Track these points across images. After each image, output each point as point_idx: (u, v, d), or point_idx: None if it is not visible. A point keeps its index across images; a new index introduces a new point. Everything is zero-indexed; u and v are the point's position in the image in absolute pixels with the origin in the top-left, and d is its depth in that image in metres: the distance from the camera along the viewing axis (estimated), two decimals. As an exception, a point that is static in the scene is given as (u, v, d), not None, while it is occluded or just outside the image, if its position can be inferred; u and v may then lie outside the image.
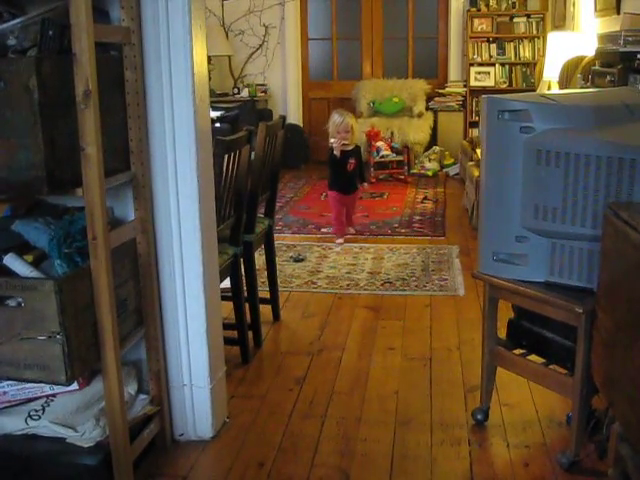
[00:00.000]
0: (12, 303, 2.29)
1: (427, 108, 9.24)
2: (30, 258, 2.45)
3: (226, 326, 3.23)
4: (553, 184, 2.49)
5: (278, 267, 4.39)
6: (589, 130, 2.50)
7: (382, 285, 4.77)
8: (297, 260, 5.28)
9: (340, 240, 5.91)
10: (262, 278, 4.23)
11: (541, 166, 2.51)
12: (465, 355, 3.65)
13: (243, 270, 3.69)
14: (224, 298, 3.24)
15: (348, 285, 4.78)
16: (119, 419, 2.46)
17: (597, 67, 4.92)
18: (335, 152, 5.86)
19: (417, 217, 6.73)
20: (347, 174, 5.93)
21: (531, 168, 2.53)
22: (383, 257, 5.42)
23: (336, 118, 5.85)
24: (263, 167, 3.69)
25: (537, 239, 2.60)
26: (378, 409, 3.14)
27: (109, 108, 2.38)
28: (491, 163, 2.70)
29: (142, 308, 2.66)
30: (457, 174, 8.46)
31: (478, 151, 6.54)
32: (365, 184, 6.29)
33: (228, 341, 3.26)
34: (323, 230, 6.26)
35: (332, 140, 5.90)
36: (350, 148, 5.93)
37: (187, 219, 2.70)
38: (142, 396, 2.76)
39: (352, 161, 5.91)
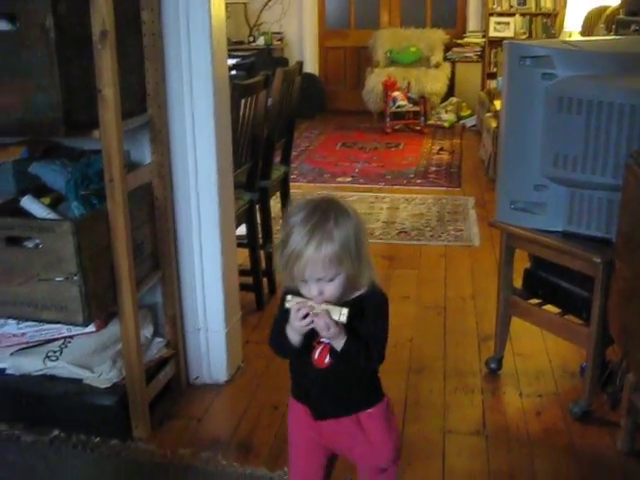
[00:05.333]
0: (30, 244, 2.30)
1: (445, 58, 9.13)
2: (47, 200, 2.46)
3: (241, 273, 3.23)
4: (574, 132, 2.46)
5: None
6: (612, 78, 2.46)
7: (397, 234, 4.77)
8: (312, 209, 5.25)
9: None
10: (277, 226, 4.22)
11: (562, 114, 2.47)
12: (479, 305, 3.65)
13: (259, 217, 3.68)
14: (239, 245, 3.23)
15: (363, 234, 4.75)
16: (135, 361, 2.48)
17: (622, 16, 4.83)
18: (287, 303, 1.70)
19: (433, 168, 6.69)
20: (313, 373, 1.82)
21: (552, 116, 2.50)
22: (398, 207, 5.41)
23: (295, 235, 1.63)
24: (280, 113, 3.66)
25: (556, 188, 2.58)
26: (392, 356, 3.09)
27: (126, 50, 2.35)
28: (511, 110, 2.66)
29: (158, 252, 2.67)
30: (474, 126, 8.38)
31: (496, 103, 6.47)
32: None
33: (243, 287, 3.27)
34: (339, 180, 6.25)
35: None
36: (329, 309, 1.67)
37: (204, 163, 2.69)
38: (158, 339, 2.78)
39: (322, 346, 1.77)
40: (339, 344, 1.71)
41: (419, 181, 6.22)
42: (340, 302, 1.67)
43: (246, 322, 3.24)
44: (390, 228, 4.89)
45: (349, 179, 6.30)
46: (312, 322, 1.68)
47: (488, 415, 2.73)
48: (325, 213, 1.66)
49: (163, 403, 2.75)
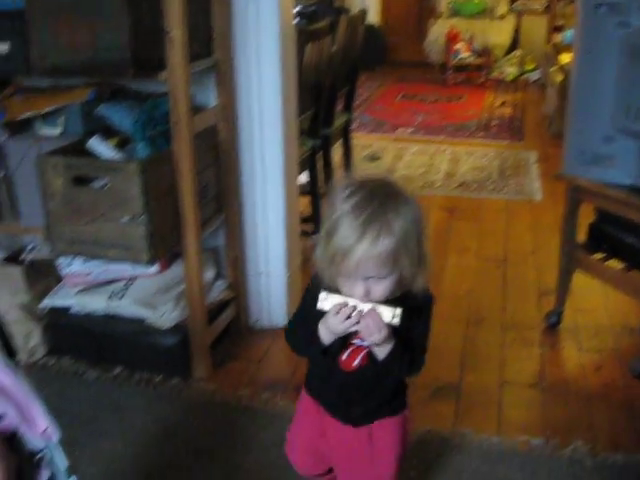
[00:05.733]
0: (97, 185, 2.34)
1: (510, 10, 8.92)
2: (114, 142, 2.49)
3: (301, 220, 3.24)
4: (648, 83, 2.39)
5: (353, 166, 4.38)
6: (691, 26, 2.38)
7: (457, 187, 4.74)
8: (373, 159, 5.27)
9: None
10: (337, 175, 4.22)
11: (636, 64, 2.40)
12: (540, 259, 3.61)
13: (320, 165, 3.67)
14: (300, 193, 3.24)
15: (423, 185, 4.75)
16: (198, 302, 2.52)
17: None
18: (322, 303, 1.45)
19: (495, 122, 6.59)
20: (337, 375, 1.60)
21: (625, 66, 2.43)
22: (459, 159, 5.37)
23: (345, 226, 1.36)
24: (343, 60, 3.63)
25: (626, 141, 2.51)
26: (451, 307, 3.15)
27: (193, -9, 2.34)
28: (583, 60, 2.60)
29: (222, 195, 2.69)
30: (538, 80, 8.21)
31: (562, 56, 6.32)
32: None
33: (303, 234, 3.28)
34: (399, 131, 6.20)
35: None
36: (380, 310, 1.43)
37: (269, 107, 2.68)
38: (219, 282, 2.82)
39: (354, 347, 1.56)
40: (384, 350, 1.47)
41: (481, 134, 6.15)
42: (384, 301, 1.43)
43: (305, 268, 3.26)
44: (450, 180, 4.86)
45: (410, 130, 6.25)
46: (356, 323, 1.43)
47: (546, 368, 2.72)
48: (384, 201, 1.36)
49: (223, 345, 2.79)
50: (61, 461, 1.69)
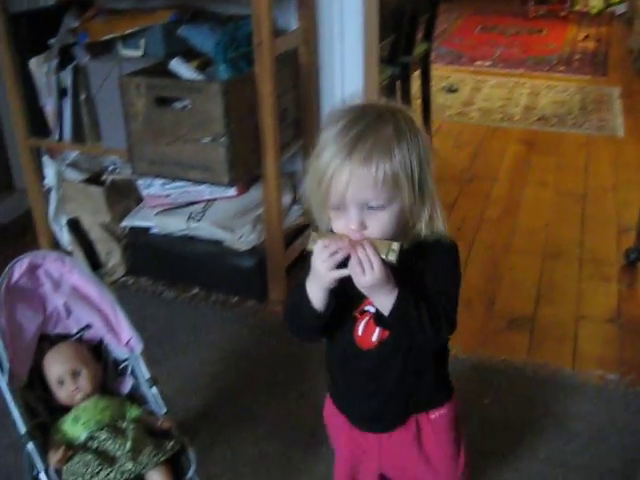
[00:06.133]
0: (178, 106, 2.35)
1: (597, -61, 8.57)
2: (195, 63, 2.49)
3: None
4: None
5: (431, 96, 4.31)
6: None
7: (537, 120, 4.63)
8: (450, 90, 5.19)
9: None
10: (413, 106, 4.16)
11: None
12: (621, 195, 3.52)
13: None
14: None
15: (502, 118, 4.67)
16: (276, 225, 2.53)
17: None
18: (311, 243, 1.19)
19: (577, 56, 6.39)
20: (355, 359, 1.31)
21: None
22: (539, 93, 5.24)
23: (331, 147, 1.12)
24: (426, -15, 3.56)
25: None
26: (527, 240, 3.11)
27: None
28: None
29: (301, 120, 2.68)
30: (624, 13, 7.90)
31: (651, -13, 6.08)
32: None
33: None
34: (477, 63, 6.08)
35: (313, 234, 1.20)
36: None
37: (350, 32, 2.64)
38: (296, 207, 2.82)
39: (368, 317, 1.26)
40: (387, 301, 1.15)
41: (562, 68, 5.97)
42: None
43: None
44: (530, 114, 4.75)
45: (488, 63, 6.11)
46: (346, 263, 1.13)
47: (623, 305, 2.67)
48: (381, 118, 1.13)
49: (298, 270, 2.81)
50: (144, 371, 1.75)
